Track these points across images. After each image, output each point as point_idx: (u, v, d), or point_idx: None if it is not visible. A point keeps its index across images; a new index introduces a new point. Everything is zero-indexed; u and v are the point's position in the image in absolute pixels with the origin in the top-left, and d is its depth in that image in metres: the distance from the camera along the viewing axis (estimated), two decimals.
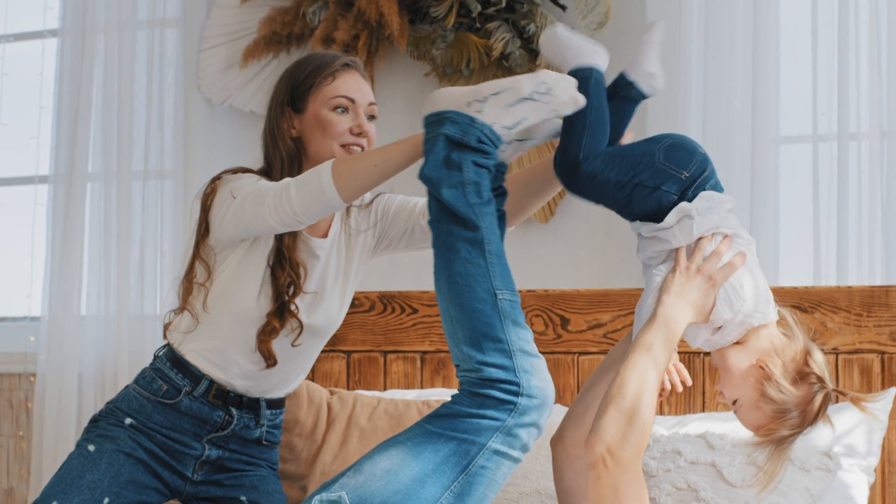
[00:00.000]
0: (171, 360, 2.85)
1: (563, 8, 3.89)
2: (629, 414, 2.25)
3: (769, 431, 2.38)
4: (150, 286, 4.28)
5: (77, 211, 4.34)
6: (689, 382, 2.39)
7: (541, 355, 2.30)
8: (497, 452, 2.19)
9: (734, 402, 2.42)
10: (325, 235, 2.86)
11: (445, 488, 2.15)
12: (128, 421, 2.83)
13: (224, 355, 2.82)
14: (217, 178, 2.78)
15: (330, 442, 3.34)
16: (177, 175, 4.28)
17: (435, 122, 2.38)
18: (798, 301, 3.29)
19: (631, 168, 2.41)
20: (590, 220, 3.88)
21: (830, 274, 3.50)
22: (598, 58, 2.49)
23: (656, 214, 2.43)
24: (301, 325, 2.82)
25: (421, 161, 2.41)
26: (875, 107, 3.48)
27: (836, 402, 2.44)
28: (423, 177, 2.36)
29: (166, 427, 2.83)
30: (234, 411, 2.86)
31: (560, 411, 2.96)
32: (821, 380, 2.36)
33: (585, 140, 2.42)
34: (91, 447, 2.80)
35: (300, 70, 2.85)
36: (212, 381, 2.83)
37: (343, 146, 2.80)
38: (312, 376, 3.75)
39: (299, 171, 2.80)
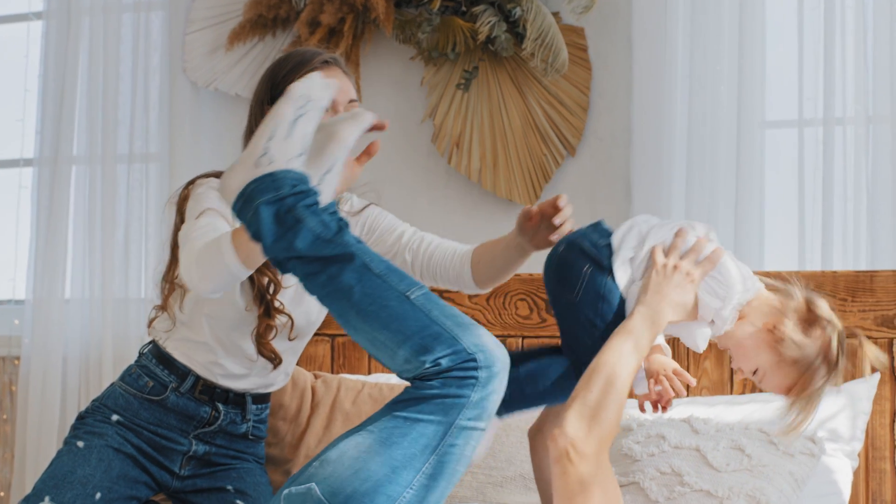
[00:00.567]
0: (156, 357, 2.85)
1: None
2: (594, 409, 2.25)
3: (802, 387, 2.39)
4: (134, 269, 4.27)
5: (62, 194, 4.32)
6: (693, 383, 2.38)
7: (476, 322, 2.29)
8: (465, 428, 2.18)
9: (755, 373, 2.43)
10: None
11: (417, 471, 2.14)
12: (114, 418, 2.83)
13: (206, 356, 2.82)
14: (191, 182, 2.78)
15: (314, 426, 3.34)
16: (162, 158, 4.27)
17: (244, 203, 2.31)
18: None
19: (574, 346, 2.45)
20: (575, 204, 3.85)
21: (815, 259, 3.50)
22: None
23: (613, 303, 2.44)
24: (291, 319, 2.83)
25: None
26: (860, 92, 3.48)
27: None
28: (272, 258, 2.30)
29: (153, 423, 2.83)
30: (220, 407, 2.86)
31: None
32: (830, 322, 2.38)
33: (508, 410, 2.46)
34: (80, 443, 2.80)
35: (280, 68, 2.83)
36: (198, 377, 2.83)
37: None
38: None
39: None
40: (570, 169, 3.89)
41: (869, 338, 3.21)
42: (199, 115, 4.31)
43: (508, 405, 2.42)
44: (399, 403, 2.20)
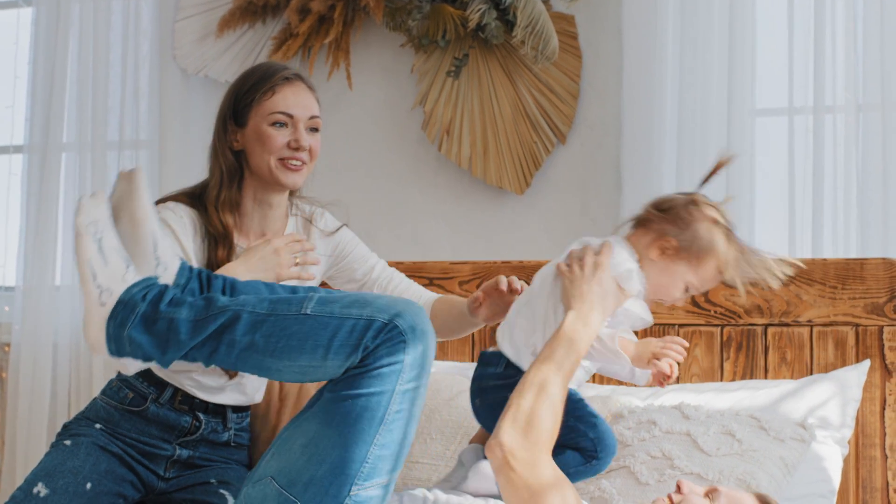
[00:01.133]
0: None
1: None
2: (528, 414, 2.28)
3: (725, 260, 2.44)
4: None
5: (52, 181, 4.32)
6: (686, 343, 2.45)
7: (378, 294, 2.29)
8: (406, 391, 2.19)
9: (687, 290, 2.49)
10: None
11: (369, 444, 2.15)
12: (97, 426, 2.85)
13: (181, 369, 2.82)
14: (161, 201, 2.85)
15: (285, 418, 3.33)
16: (152, 145, 4.27)
17: (117, 343, 2.30)
18: None
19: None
20: (565, 192, 3.88)
21: (805, 246, 3.51)
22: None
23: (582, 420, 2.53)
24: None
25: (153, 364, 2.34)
26: (850, 80, 3.49)
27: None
28: (171, 363, 2.30)
29: (135, 433, 2.85)
30: (201, 416, 2.88)
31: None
32: (686, 199, 2.47)
33: None
34: (67, 442, 2.82)
35: (243, 84, 2.86)
36: (176, 388, 2.85)
37: (281, 160, 2.82)
38: None
39: (239, 185, 2.85)
40: (560, 157, 3.90)
41: (859, 325, 3.22)
42: (189, 101, 4.30)
43: None
44: (338, 383, 2.20)
